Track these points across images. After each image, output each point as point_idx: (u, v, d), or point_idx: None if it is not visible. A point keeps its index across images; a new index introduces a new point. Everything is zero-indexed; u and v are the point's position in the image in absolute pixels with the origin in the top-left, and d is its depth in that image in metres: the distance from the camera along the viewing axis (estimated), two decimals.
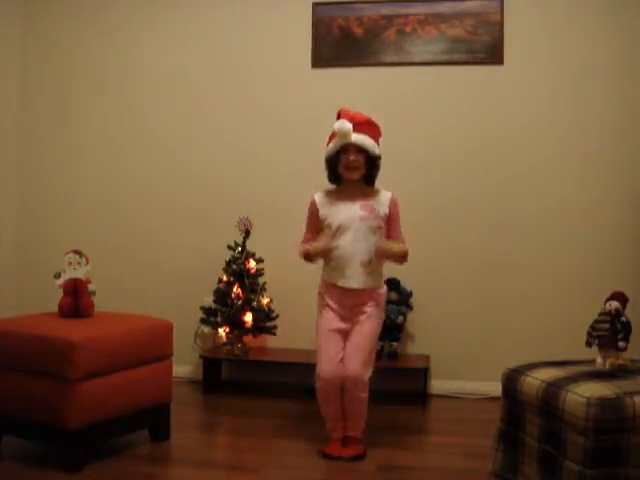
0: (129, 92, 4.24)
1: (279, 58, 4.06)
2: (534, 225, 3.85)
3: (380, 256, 2.81)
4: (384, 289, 2.91)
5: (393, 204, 2.86)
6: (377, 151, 2.82)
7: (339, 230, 2.80)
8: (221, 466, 2.81)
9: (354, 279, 2.79)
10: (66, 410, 2.52)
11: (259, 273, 3.86)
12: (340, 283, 2.80)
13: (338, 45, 4.00)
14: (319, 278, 2.93)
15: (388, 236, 2.86)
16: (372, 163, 2.82)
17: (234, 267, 3.81)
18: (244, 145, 4.09)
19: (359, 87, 3.99)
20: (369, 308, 2.82)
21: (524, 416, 2.18)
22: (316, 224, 2.88)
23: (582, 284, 3.76)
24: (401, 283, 3.82)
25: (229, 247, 3.87)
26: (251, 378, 4.04)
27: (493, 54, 3.86)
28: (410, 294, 3.83)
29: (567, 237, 3.82)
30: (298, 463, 2.76)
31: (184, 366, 3.98)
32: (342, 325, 2.83)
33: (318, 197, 2.91)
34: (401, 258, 2.82)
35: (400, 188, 3.95)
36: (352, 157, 2.77)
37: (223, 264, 3.86)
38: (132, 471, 2.62)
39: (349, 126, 2.74)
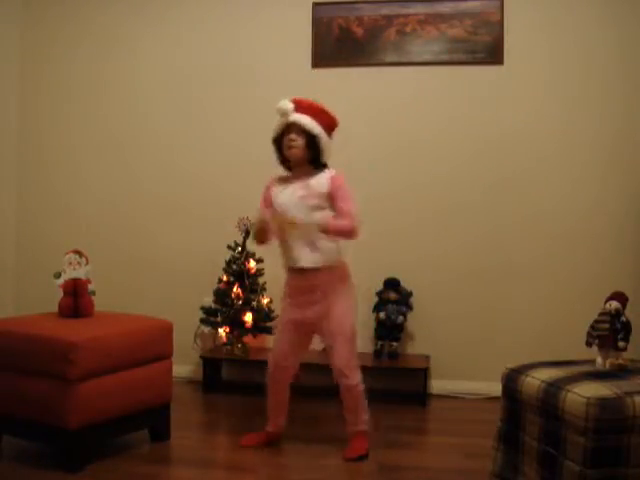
0: (129, 92, 4.24)
1: (279, 58, 4.06)
2: (534, 225, 3.85)
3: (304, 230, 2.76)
4: (345, 265, 2.89)
5: (332, 181, 2.81)
6: (317, 131, 2.81)
7: (280, 207, 2.82)
8: (221, 466, 2.81)
9: (301, 259, 2.79)
10: (66, 410, 2.52)
11: (259, 273, 3.86)
12: (290, 264, 2.84)
13: (338, 45, 4.00)
14: None
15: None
16: (313, 143, 2.81)
17: (234, 267, 3.81)
18: (244, 145, 4.09)
19: (359, 87, 4.00)
20: (332, 288, 2.81)
21: (524, 416, 2.18)
22: (267, 205, 2.89)
23: (582, 284, 3.76)
24: (401, 283, 3.82)
25: (229, 247, 3.87)
26: (251, 378, 4.03)
27: (493, 54, 3.86)
28: (410, 294, 3.83)
29: (567, 237, 3.82)
30: (298, 463, 2.76)
31: (184, 366, 3.98)
32: (300, 315, 2.85)
33: (273, 179, 2.92)
34: (337, 233, 2.75)
35: (399, 188, 3.97)
36: (292, 135, 2.80)
37: (223, 264, 3.86)
38: (132, 471, 2.62)
39: (289, 105, 2.79)
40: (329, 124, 2.88)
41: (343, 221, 2.76)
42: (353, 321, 2.87)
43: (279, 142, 2.86)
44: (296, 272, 2.85)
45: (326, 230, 2.73)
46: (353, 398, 2.84)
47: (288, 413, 2.98)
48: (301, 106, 2.81)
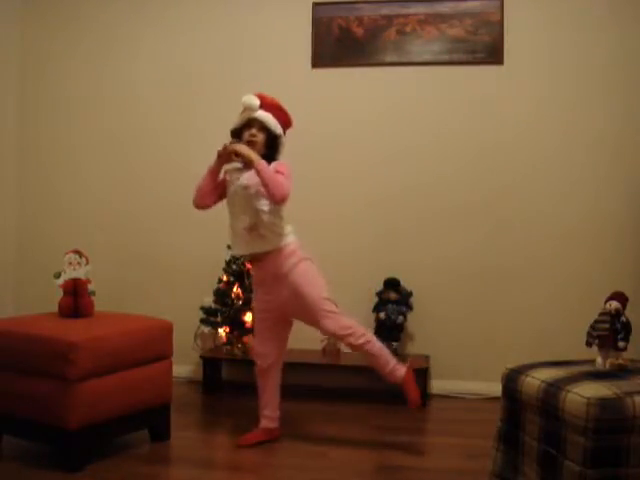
0: (129, 91, 4.24)
1: (279, 58, 4.06)
2: (534, 225, 3.84)
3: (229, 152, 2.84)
4: (291, 245, 2.89)
5: (275, 166, 2.85)
6: (278, 130, 2.91)
7: (229, 198, 2.93)
8: (221, 466, 2.82)
9: (243, 245, 2.90)
10: (66, 410, 2.52)
11: None
12: (234, 251, 3.01)
13: (338, 45, 4.00)
14: None
15: None
16: (272, 142, 2.90)
17: (234, 267, 3.81)
18: None
19: (359, 87, 4.00)
20: (285, 270, 2.85)
21: (524, 416, 2.18)
22: (220, 188, 2.96)
23: (582, 284, 3.76)
24: (401, 283, 3.82)
25: (229, 247, 3.85)
26: (251, 378, 4.01)
27: (493, 54, 3.86)
28: (410, 294, 3.83)
29: (567, 237, 3.82)
30: (298, 463, 2.76)
31: (184, 366, 3.98)
32: (267, 304, 2.94)
33: (229, 166, 2.98)
34: (267, 176, 2.74)
35: (399, 187, 3.97)
36: (253, 131, 2.87)
37: (223, 264, 3.86)
38: (132, 471, 2.62)
39: (256, 101, 2.87)
40: (286, 123, 2.97)
41: (276, 175, 2.79)
42: (317, 290, 2.88)
43: (238, 134, 2.92)
44: (252, 262, 2.97)
45: (259, 166, 2.76)
46: (367, 353, 2.88)
47: (288, 413, 2.99)
48: (265, 103, 2.89)
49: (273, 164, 2.86)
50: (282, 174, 2.81)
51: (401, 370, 2.93)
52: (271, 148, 2.91)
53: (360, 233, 3.98)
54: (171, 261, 4.16)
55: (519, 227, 3.86)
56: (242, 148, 2.83)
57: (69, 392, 2.52)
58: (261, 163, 2.78)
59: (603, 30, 3.77)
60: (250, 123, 2.88)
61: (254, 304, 3.07)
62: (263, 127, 2.87)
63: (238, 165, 2.94)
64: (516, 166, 3.87)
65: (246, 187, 2.84)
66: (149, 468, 2.68)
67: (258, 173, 2.77)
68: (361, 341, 2.86)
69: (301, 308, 2.88)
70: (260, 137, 2.87)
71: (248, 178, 2.84)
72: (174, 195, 4.16)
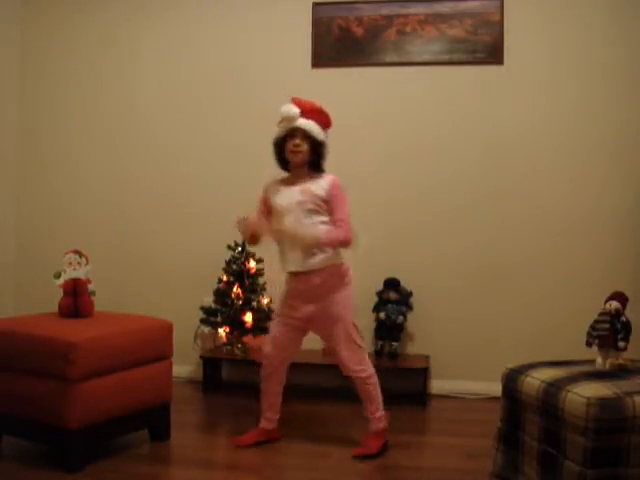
0: (128, 92, 4.24)
1: (279, 58, 4.06)
2: (534, 225, 3.84)
3: (281, 236, 2.81)
4: (343, 266, 2.87)
5: (331, 186, 2.81)
6: (321, 137, 2.84)
7: (280, 214, 2.83)
8: (221, 466, 2.82)
9: (296, 262, 2.80)
10: (66, 410, 2.52)
11: (259, 273, 3.86)
12: (285, 267, 2.86)
13: (338, 45, 4.00)
14: None
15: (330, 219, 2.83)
16: (317, 149, 2.83)
17: (234, 267, 3.82)
18: (244, 145, 4.08)
19: (359, 87, 4.00)
20: (327, 289, 2.81)
21: (524, 416, 2.18)
22: (264, 209, 2.91)
23: (582, 284, 3.76)
24: (401, 283, 3.82)
25: (229, 247, 3.87)
26: (251, 378, 4.02)
27: (493, 54, 3.86)
28: (410, 294, 3.83)
29: (567, 238, 3.82)
30: (298, 463, 2.76)
31: (184, 366, 3.98)
32: (294, 312, 2.86)
33: (268, 183, 2.93)
34: (331, 245, 2.77)
35: (399, 188, 3.97)
36: (297, 141, 2.79)
37: (223, 264, 3.86)
38: (132, 471, 2.62)
39: (296, 110, 2.79)
40: (327, 124, 2.90)
41: (337, 231, 2.77)
42: (350, 317, 2.87)
43: (281, 145, 2.84)
44: (292, 274, 2.87)
45: (320, 243, 2.74)
46: (362, 391, 2.87)
47: (288, 414, 2.98)
48: (305, 110, 2.80)
49: (324, 182, 2.81)
50: (339, 197, 2.78)
51: (383, 423, 2.91)
52: (316, 155, 2.84)
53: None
54: (171, 261, 4.16)
55: (519, 227, 3.86)
56: (290, 232, 2.76)
57: (69, 392, 2.52)
58: (323, 240, 2.74)
59: (603, 30, 3.77)
60: (293, 132, 2.79)
61: (280, 308, 2.97)
62: (306, 135, 2.79)
63: (278, 179, 2.90)
64: (516, 166, 3.87)
65: (300, 203, 2.78)
66: (149, 468, 2.68)
67: (327, 246, 2.75)
68: (366, 381, 2.85)
69: (329, 329, 2.85)
70: (304, 147, 2.79)
71: (302, 193, 2.78)
72: (174, 195, 4.16)
